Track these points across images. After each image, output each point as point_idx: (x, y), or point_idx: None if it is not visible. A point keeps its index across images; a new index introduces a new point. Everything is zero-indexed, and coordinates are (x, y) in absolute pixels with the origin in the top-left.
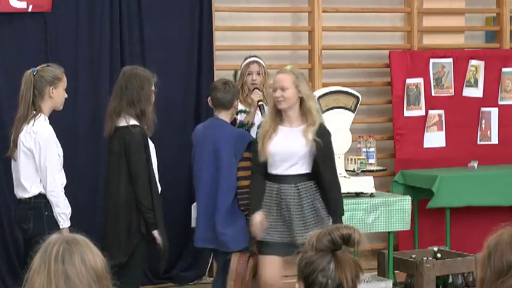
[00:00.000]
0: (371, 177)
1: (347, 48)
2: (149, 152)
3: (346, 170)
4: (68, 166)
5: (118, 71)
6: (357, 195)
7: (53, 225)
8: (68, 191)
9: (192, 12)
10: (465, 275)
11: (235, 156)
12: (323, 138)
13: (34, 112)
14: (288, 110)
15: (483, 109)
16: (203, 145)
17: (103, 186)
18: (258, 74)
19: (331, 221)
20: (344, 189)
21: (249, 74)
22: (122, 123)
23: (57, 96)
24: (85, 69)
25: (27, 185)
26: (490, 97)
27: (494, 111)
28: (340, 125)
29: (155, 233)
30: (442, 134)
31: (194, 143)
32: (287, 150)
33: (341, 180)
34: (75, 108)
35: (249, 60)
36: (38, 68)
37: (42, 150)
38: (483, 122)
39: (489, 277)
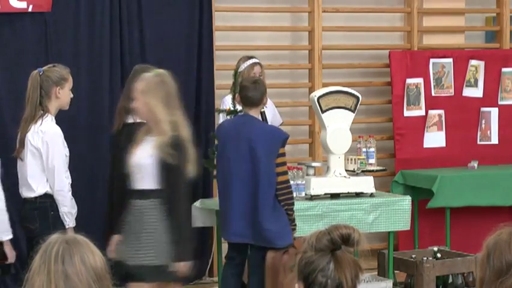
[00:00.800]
0: (371, 177)
1: (347, 48)
2: None
3: (346, 170)
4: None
5: (118, 70)
6: (357, 195)
7: (58, 225)
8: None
9: (192, 12)
10: (465, 275)
11: (273, 152)
12: (172, 150)
13: (41, 112)
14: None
15: (483, 109)
16: (237, 141)
17: (107, 181)
18: (260, 75)
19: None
20: (344, 189)
21: (253, 76)
22: (131, 120)
23: (63, 96)
24: (85, 69)
25: (33, 185)
26: (490, 97)
27: (494, 111)
28: (340, 125)
29: None
30: (442, 134)
31: (221, 139)
32: (135, 162)
33: (341, 180)
34: (75, 108)
35: (252, 61)
36: (44, 68)
37: (50, 150)
38: (483, 122)
39: (488, 277)
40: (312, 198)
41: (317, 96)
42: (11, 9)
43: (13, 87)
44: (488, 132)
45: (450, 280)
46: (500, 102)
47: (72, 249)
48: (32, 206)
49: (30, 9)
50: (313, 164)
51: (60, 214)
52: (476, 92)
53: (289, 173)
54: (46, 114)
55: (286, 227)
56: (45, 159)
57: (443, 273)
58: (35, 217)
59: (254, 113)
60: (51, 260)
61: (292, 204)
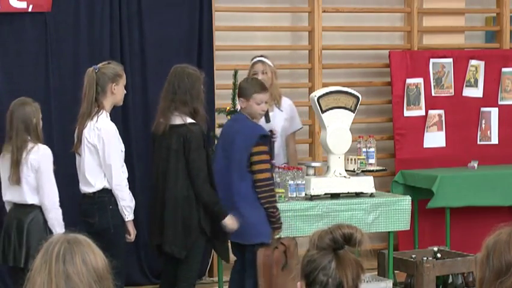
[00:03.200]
0: (371, 177)
1: (347, 48)
2: (208, 149)
3: (346, 170)
4: (68, 166)
5: None
6: (357, 195)
7: (117, 218)
8: (70, 190)
9: (192, 12)
10: (465, 275)
11: (247, 147)
12: None
13: (96, 109)
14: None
15: (483, 109)
16: (223, 139)
17: (156, 179)
18: (263, 73)
19: None
20: (344, 189)
21: (254, 74)
22: (178, 121)
23: (118, 92)
24: (85, 69)
25: (91, 180)
26: (490, 97)
27: (494, 111)
28: (340, 125)
29: (228, 218)
30: (442, 134)
31: (218, 139)
32: None
33: (341, 180)
34: (75, 108)
35: (253, 60)
36: (99, 65)
37: (106, 146)
38: (483, 122)
39: (488, 277)
40: (312, 198)
41: (317, 96)
42: (11, 9)
43: (13, 87)
44: (488, 132)
45: (450, 280)
46: (500, 102)
47: (73, 249)
48: (91, 201)
49: (30, 9)
50: (313, 164)
51: (119, 208)
52: (476, 92)
53: (289, 173)
54: (101, 111)
55: (262, 224)
56: (102, 155)
57: (443, 273)
58: (94, 212)
59: (244, 104)
60: (52, 260)
61: (274, 202)
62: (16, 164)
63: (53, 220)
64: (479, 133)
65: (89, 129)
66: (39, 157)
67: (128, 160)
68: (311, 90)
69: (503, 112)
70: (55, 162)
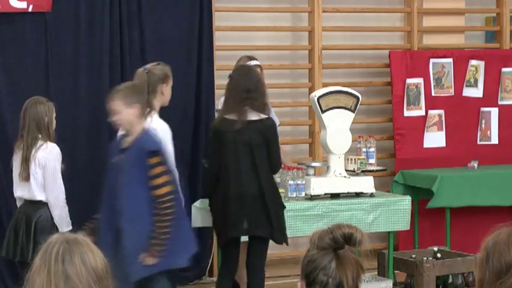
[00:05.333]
0: (371, 177)
1: (347, 48)
2: None
3: (346, 170)
4: (68, 165)
5: (118, 70)
6: (357, 195)
7: None
8: (68, 189)
9: (192, 12)
10: (465, 275)
11: (136, 162)
12: None
13: (148, 109)
14: None
15: (483, 109)
16: None
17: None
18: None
19: None
20: (344, 189)
21: None
22: (254, 116)
23: (167, 93)
24: (85, 69)
25: None
26: (490, 97)
27: (494, 111)
28: (340, 125)
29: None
30: (442, 134)
31: None
32: None
33: (341, 180)
34: (75, 108)
35: (252, 63)
36: (149, 66)
37: (163, 145)
38: (483, 122)
39: (488, 278)
40: (312, 198)
41: (317, 96)
42: (11, 9)
43: (13, 87)
44: (488, 132)
45: (450, 280)
46: (500, 102)
47: (72, 249)
48: None
49: (30, 9)
50: (313, 164)
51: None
52: (476, 92)
53: (289, 173)
54: (153, 112)
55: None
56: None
57: (443, 273)
58: None
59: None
60: (51, 260)
61: (167, 221)
62: (26, 161)
63: (59, 217)
64: (479, 133)
65: None
66: (47, 155)
67: None
68: (311, 90)
69: (503, 112)
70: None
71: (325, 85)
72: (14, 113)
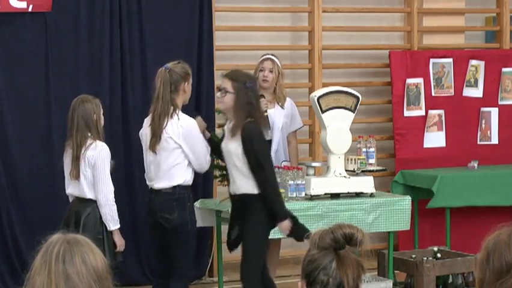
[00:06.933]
0: (371, 177)
1: (347, 48)
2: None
3: (346, 170)
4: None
5: (118, 70)
6: (357, 195)
7: (193, 214)
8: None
9: (192, 12)
10: (465, 275)
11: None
12: None
13: (172, 107)
14: None
15: (483, 109)
16: None
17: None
18: (270, 71)
19: None
20: (344, 189)
21: (261, 70)
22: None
23: (188, 90)
24: (85, 69)
25: (175, 176)
26: (490, 97)
27: (494, 111)
28: (340, 125)
29: None
30: (442, 134)
31: None
32: None
33: (341, 180)
34: None
35: (263, 57)
36: (169, 65)
37: (192, 142)
38: (483, 122)
39: (488, 278)
40: (312, 198)
41: (317, 96)
42: (11, 9)
43: (13, 87)
44: (488, 132)
45: (450, 280)
46: (500, 102)
47: (73, 249)
48: (170, 197)
49: (30, 9)
50: (313, 164)
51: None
52: (476, 92)
53: (289, 173)
54: (177, 110)
55: None
56: (190, 151)
57: (443, 273)
58: (174, 208)
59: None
60: (52, 260)
61: None
62: (76, 160)
63: (107, 215)
64: (479, 133)
65: (173, 128)
66: (96, 154)
67: (128, 161)
68: (311, 90)
69: (503, 112)
70: (55, 161)
71: (325, 85)
72: (14, 112)
